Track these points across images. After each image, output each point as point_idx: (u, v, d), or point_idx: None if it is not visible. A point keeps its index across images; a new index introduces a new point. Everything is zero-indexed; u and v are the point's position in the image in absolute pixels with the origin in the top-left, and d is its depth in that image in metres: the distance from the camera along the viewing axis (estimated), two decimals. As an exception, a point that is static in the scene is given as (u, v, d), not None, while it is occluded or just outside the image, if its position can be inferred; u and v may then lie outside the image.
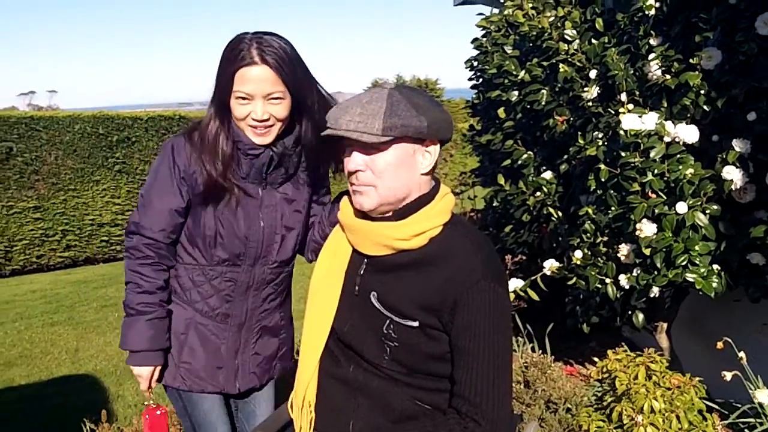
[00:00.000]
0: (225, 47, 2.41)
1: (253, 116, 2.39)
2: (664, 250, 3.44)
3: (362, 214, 2.10)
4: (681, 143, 3.49)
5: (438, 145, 2.07)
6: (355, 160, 2.00)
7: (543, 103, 4.50)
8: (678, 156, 3.48)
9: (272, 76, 2.35)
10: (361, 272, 2.11)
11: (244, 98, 2.38)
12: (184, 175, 2.52)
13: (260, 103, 2.38)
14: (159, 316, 2.58)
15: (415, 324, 1.98)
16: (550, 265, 4.23)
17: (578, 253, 3.93)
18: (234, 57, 2.35)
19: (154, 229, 2.55)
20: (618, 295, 3.80)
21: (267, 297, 2.68)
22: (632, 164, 3.54)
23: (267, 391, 2.83)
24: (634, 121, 3.50)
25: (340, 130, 1.95)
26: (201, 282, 2.61)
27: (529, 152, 4.87)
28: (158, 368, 2.63)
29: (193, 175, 2.51)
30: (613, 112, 3.84)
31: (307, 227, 2.73)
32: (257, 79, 2.35)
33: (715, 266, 3.49)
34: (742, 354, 3.15)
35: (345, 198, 2.22)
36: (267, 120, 2.41)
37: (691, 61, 3.50)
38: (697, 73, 3.49)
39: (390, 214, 2.05)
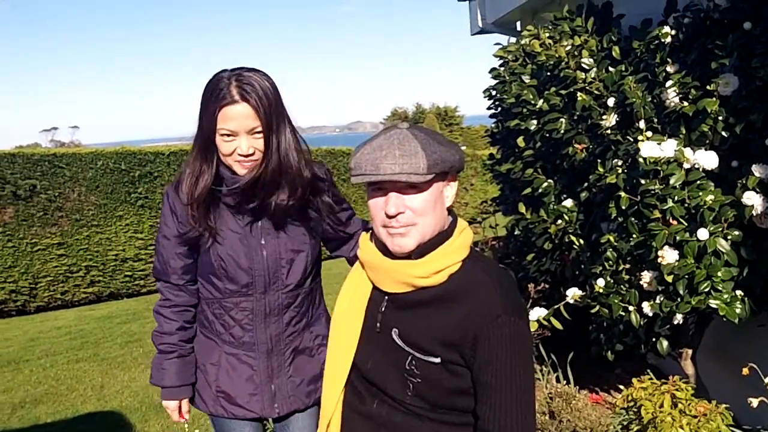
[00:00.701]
0: (205, 86, 2.50)
1: (239, 151, 2.47)
2: (686, 276, 3.43)
3: (384, 252, 2.11)
4: (700, 170, 3.50)
5: (456, 179, 2.12)
6: (395, 203, 1.99)
7: (562, 131, 4.51)
8: (698, 182, 3.48)
9: (252, 113, 2.43)
10: (383, 309, 2.12)
11: (228, 135, 2.46)
12: (182, 220, 2.64)
13: (244, 138, 2.46)
14: (180, 355, 2.76)
15: (437, 360, 1.99)
16: (573, 293, 4.23)
17: (600, 281, 3.92)
18: (215, 96, 2.44)
19: (167, 273, 2.73)
20: (641, 323, 3.79)
21: (290, 321, 2.72)
22: (652, 191, 3.54)
23: (310, 412, 2.84)
24: (653, 149, 3.51)
25: (386, 175, 1.94)
26: (221, 314, 2.71)
27: (549, 180, 4.89)
28: (185, 401, 2.82)
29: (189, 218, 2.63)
30: (631, 139, 3.85)
31: (318, 246, 2.79)
32: (239, 116, 2.43)
33: (738, 292, 3.47)
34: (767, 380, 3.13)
35: (364, 235, 2.24)
36: (252, 154, 2.49)
37: (708, 87, 3.51)
38: (714, 99, 3.49)
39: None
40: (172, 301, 2.75)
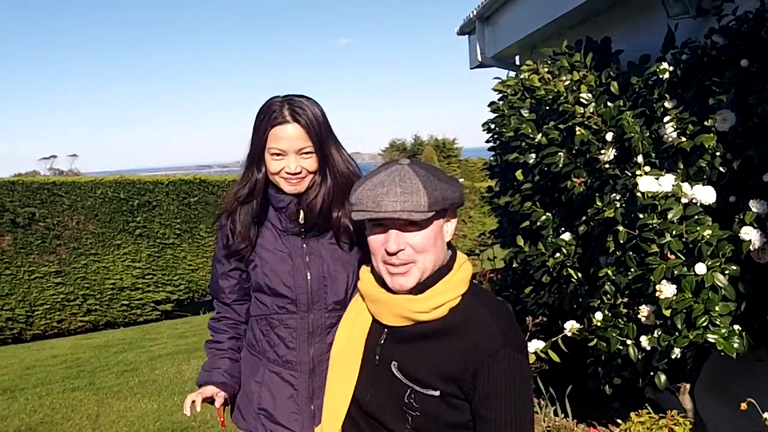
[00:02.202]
0: (259, 109, 2.63)
1: (286, 170, 2.58)
2: (684, 311, 3.44)
3: (383, 285, 2.12)
4: (698, 204, 3.51)
5: (456, 214, 2.13)
6: (396, 240, 2.01)
7: (560, 165, 4.54)
8: (695, 217, 3.50)
9: (303, 134, 2.55)
10: (382, 342, 2.12)
11: (278, 154, 2.57)
12: (226, 232, 2.77)
13: (293, 158, 2.57)
14: (231, 358, 2.86)
15: (436, 393, 1.99)
16: (571, 326, 4.23)
17: (599, 315, 3.93)
18: (268, 117, 2.57)
19: (217, 292, 2.88)
20: (639, 357, 3.79)
21: (332, 342, 2.73)
22: (650, 226, 3.56)
23: None
24: (651, 183, 3.53)
25: (388, 212, 1.96)
26: (267, 331, 2.77)
27: (547, 214, 4.90)
28: (220, 395, 2.76)
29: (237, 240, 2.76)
30: (630, 174, 3.87)
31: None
32: (290, 137, 2.55)
33: (736, 326, 3.48)
34: (766, 415, 3.12)
35: (365, 268, 2.25)
36: (299, 173, 2.59)
37: (705, 123, 3.54)
38: (712, 135, 3.52)
39: None
40: (222, 314, 2.90)
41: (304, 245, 2.71)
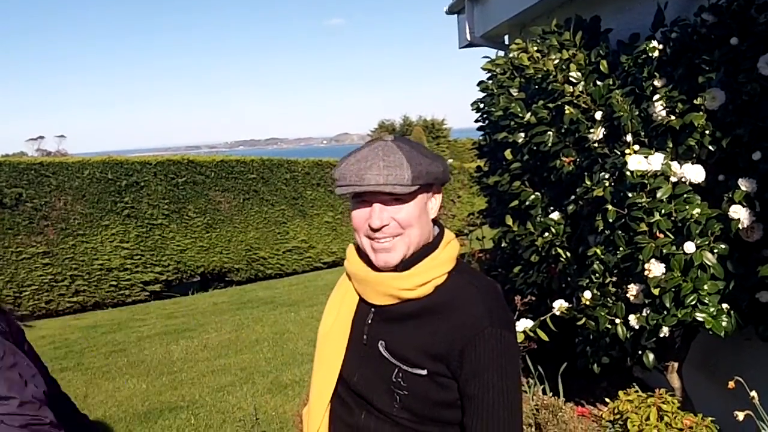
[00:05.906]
0: None
1: None
2: (673, 289, 3.44)
3: (369, 264, 2.10)
4: (687, 183, 3.51)
5: (441, 191, 2.11)
6: (380, 216, 1.97)
7: (549, 144, 4.53)
8: (685, 196, 3.50)
9: None
10: (369, 321, 2.10)
11: None
12: None
13: None
14: None
15: (424, 372, 1.97)
16: (560, 305, 4.24)
17: (587, 294, 3.93)
18: None
19: None
20: (628, 335, 3.80)
21: None
22: (639, 205, 3.55)
23: None
24: (640, 162, 3.53)
25: (371, 186, 1.92)
26: None
27: (536, 193, 4.90)
28: None
29: None
30: (619, 153, 3.86)
31: None
32: None
33: (725, 305, 3.48)
34: (754, 393, 3.13)
35: (351, 246, 2.22)
36: None
37: (695, 101, 3.54)
38: (701, 113, 3.52)
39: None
40: None
41: None
